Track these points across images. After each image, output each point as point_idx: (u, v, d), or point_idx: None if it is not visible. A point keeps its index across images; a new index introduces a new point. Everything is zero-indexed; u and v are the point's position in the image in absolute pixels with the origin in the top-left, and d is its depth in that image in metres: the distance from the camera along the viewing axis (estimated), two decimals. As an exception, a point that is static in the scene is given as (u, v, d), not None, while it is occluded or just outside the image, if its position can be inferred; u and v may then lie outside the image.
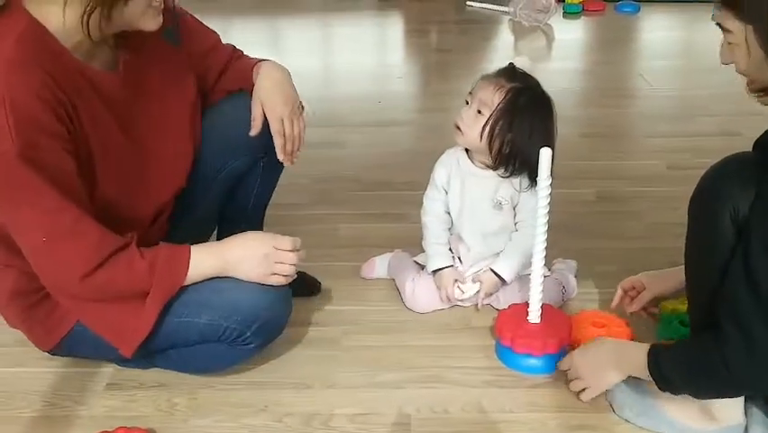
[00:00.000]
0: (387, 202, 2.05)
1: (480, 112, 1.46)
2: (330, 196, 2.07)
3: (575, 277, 1.62)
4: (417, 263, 1.62)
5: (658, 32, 3.87)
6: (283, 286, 1.25)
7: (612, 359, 1.21)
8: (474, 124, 1.47)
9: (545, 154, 1.27)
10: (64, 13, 1.10)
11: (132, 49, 1.23)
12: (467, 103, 1.49)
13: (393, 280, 1.64)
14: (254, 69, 1.39)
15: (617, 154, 2.36)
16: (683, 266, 1.20)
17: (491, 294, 1.54)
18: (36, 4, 1.11)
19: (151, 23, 1.16)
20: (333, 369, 1.39)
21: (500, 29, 3.83)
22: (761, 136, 1.10)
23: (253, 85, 1.37)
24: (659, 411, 1.21)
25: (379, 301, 1.60)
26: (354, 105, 2.86)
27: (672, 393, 1.13)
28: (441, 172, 1.59)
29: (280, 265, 1.24)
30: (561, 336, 1.36)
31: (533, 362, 1.36)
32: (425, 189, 1.65)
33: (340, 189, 2.13)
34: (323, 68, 3.47)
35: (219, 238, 1.43)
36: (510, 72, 1.48)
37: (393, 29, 4.07)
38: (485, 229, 1.54)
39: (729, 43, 1.03)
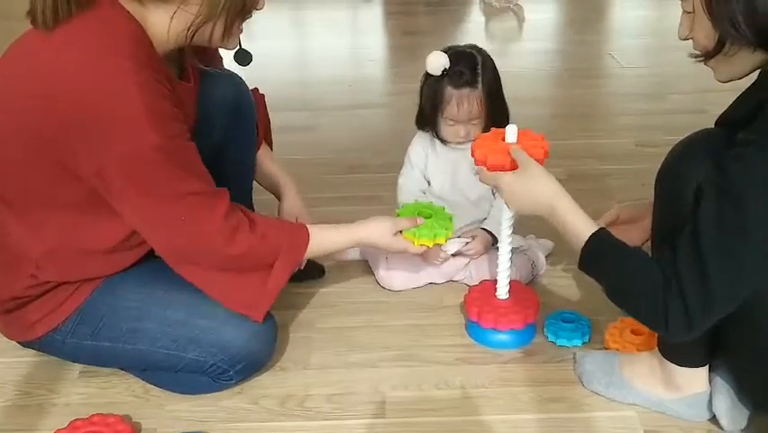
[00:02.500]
0: (360, 185, 2.06)
1: (474, 123, 1.53)
2: (303, 180, 2.05)
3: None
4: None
5: (628, 11, 3.90)
6: (270, 330, 1.30)
7: (547, 208, 1.17)
8: (476, 130, 1.53)
9: (511, 129, 1.28)
10: (170, 22, 1.12)
11: (199, 61, 1.26)
12: (451, 124, 1.53)
13: (366, 261, 1.65)
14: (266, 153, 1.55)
15: (588, 133, 2.38)
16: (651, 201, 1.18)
17: (482, 252, 1.55)
18: (140, 5, 1.11)
19: (233, 42, 1.20)
20: (307, 351, 1.40)
21: (471, 10, 3.84)
22: (722, 113, 1.12)
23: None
24: (626, 383, 1.24)
25: (353, 283, 1.61)
26: (326, 90, 2.86)
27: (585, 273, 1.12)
28: (417, 150, 1.62)
29: (400, 237, 1.35)
30: (527, 313, 1.38)
31: (500, 337, 1.38)
32: (396, 172, 1.67)
33: (313, 173, 2.13)
34: (294, 51, 3.46)
35: None
36: (460, 77, 1.49)
37: (364, 11, 4.06)
38: (469, 196, 1.57)
39: (686, 12, 1.04)
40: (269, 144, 1.60)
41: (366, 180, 2.08)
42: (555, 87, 2.86)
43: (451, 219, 1.44)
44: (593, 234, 1.10)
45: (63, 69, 1.07)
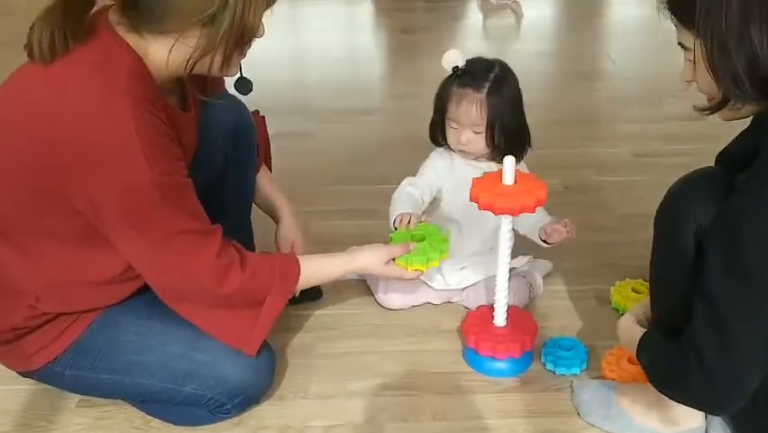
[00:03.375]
0: (357, 198, 2.06)
1: (476, 132, 1.49)
2: (299, 191, 2.05)
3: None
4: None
5: (626, 8, 3.88)
6: (268, 363, 1.31)
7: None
8: (477, 140, 1.50)
9: (509, 161, 1.28)
10: (169, 54, 1.11)
11: (199, 90, 1.25)
12: (453, 127, 1.50)
13: (364, 281, 1.65)
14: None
15: (584, 142, 2.38)
16: None
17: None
18: (139, 37, 1.11)
19: (233, 70, 1.19)
20: (306, 378, 1.40)
21: (469, 7, 3.82)
22: (722, 151, 1.12)
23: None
24: (623, 416, 1.25)
25: (351, 304, 1.61)
26: (321, 91, 2.84)
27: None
28: (434, 164, 1.58)
29: (404, 271, 1.36)
30: (524, 340, 1.39)
31: (498, 365, 1.39)
32: (394, 183, 1.64)
33: (309, 184, 2.13)
34: (288, 50, 3.43)
35: None
36: (467, 77, 1.48)
37: (360, 8, 4.03)
38: (487, 222, 1.51)
39: (689, 60, 1.04)
40: (269, 167, 1.60)
41: (361, 193, 2.08)
42: (553, 91, 2.85)
43: (446, 240, 1.42)
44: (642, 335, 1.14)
45: (61, 105, 1.06)
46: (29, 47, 1.08)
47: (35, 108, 1.09)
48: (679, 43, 1.04)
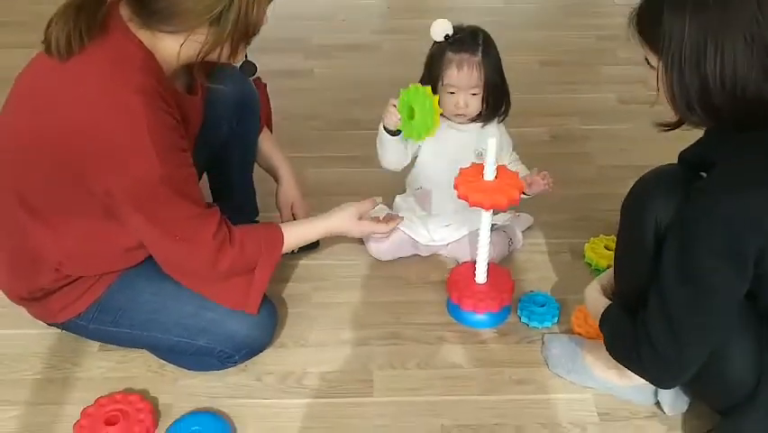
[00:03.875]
0: (354, 143, 2.14)
1: (474, 94, 1.57)
2: (296, 136, 2.14)
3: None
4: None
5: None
6: (270, 319, 1.45)
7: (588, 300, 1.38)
8: (474, 102, 1.58)
9: (492, 144, 1.38)
10: (180, 49, 1.19)
11: (206, 72, 1.32)
12: (452, 93, 1.57)
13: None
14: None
15: (573, 86, 2.45)
16: None
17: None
18: (151, 34, 1.19)
19: (240, 58, 1.27)
20: (304, 327, 1.55)
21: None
22: (686, 149, 1.22)
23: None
24: (587, 369, 1.40)
25: (345, 255, 1.74)
26: (318, 25, 2.87)
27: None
28: None
29: (379, 225, 1.53)
30: (503, 297, 1.53)
31: (478, 318, 1.53)
32: None
33: (306, 128, 2.21)
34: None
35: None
36: (460, 43, 1.56)
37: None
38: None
39: (650, 67, 1.13)
40: (270, 129, 1.68)
41: (358, 138, 2.16)
42: (543, 28, 2.87)
43: (433, 103, 1.51)
44: (606, 310, 1.28)
45: (78, 102, 1.16)
46: (47, 43, 1.16)
47: (55, 104, 1.18)
48: (645, 59, 1.13)
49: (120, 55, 1.17)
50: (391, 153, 1.64)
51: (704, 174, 1.14)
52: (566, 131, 2.21)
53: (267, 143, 1.65)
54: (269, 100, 1.68)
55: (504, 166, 1.51)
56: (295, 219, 1.63)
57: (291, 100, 2.27)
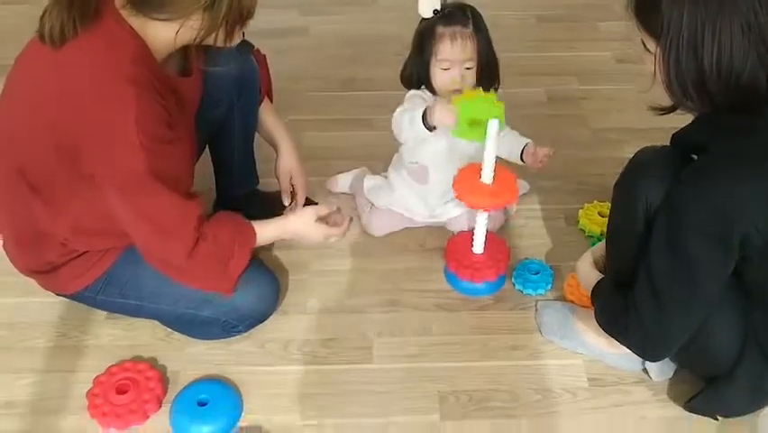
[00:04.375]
0: (351, 104, 2.16)
1: (468, 68, 1.56)
2: (293, 98, 2.14)
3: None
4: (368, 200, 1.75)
5: None
6: (273, 291, 1.49)
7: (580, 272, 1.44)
8: (470, 75, 1.57)
9: (493, 125, 1.40)
10: (175, 36, 1.20)
11: (203, 57, 1.33)
12: (446, 69, 1.55)
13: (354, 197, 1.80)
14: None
15: (571, 44, 2.45)
16: None
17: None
18: (145, 21, 1.19)
19: (236, 41, 1.27)
20: (305, 295, 1.60)
21: None
22: (678, 132, 1.25)
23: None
24: (578, 336, 1.46)
25: (345, 222, 1.78)
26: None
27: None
28: (420, 100, 1.61)
29: (334, 229, 1.46)
30: (499, 267, 1.58)
31: (476, 286, 1.58)
32: (393, 89, 1.67)
33: (303, 89, 2.21)
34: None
35: (218, 187, 1.72)
36: (450, 16, 1.55)
37: None
38: (462, 156, 1.62)
39: (647, 51, 1.14)
40: (271, 99, 1.69)
41: (356, 100, 2.18)
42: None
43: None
44: (597, 284, 1.33)
45: (70, 90, 1.18)
46: (40, 32, 1.18)
47: (47, 90, 1.20)
48: (642, 41, 1.14)
49: (112, 44, 1.18)
50: (416, 137, 1.57)
51: (695, 157, 1.17)
52: (562, 91, 2.22)
53: (267, 114, 1.66)
54: (268, 71, 1.68)
55: (503, 167, 1.52)
56: (294, 189, 1.65)
57: (287, 60, 2.27)
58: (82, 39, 1.17)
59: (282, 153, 1.66)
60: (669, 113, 1.17)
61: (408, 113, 1.54)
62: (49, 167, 1.27)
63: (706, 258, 1.12)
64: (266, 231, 1.42)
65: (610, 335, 1.30)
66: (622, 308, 1.22)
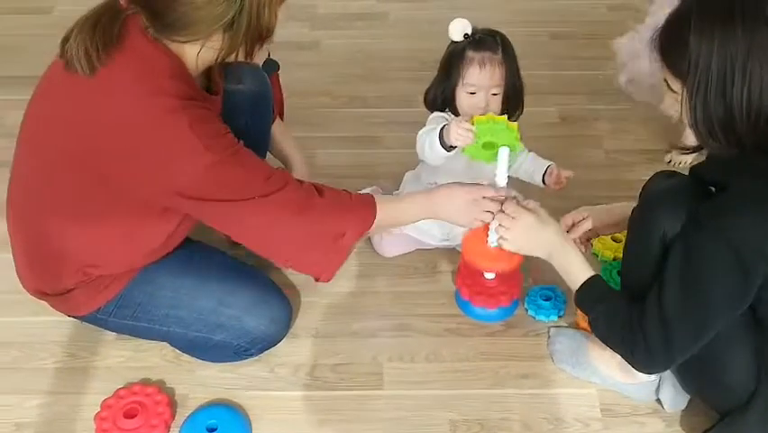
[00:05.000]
0: (361, 122, 2.15)
1: (494, 94, 1.57)
2: (304, 115, 2.14)
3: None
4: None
5: None
6: (286, 314, 1.47)
7: (550, 252, 1.36)
8: (495, 101, 1.58)
9: (503, 153, 1.39)
10: (198, 56, 1.21)
11: (223, 74, 1.34)
12: (472, 93, 1.55)
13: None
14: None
15: (583, 62, 2.43)
16: (624, 203, 1.41)
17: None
18: (170, 42, 1.20)
19: (260, 58, 1.29)
20: (315, 317, 1.59)
21: None
22: (697, 165, 1.23)
23: None
24: (591, 364, 1.45)
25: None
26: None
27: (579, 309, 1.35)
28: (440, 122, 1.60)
29: (486, 213, 1.38)
30: (512, 292, 1.56)
31: (487, 312, 1.57)
32: (403, 107, 1.70)
33: (314, 105, 2.21)
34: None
35: None
36: (480, 42, 1.55)
37: None
38: (482, 178, 1.56)
39: (673, 97, 1.13)
40: (282, 117, 1.69)
41: (366, 117, 2.17)
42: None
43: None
44: (586, 280, 1.29)
45: (115, 115, 1.18)
46: (67, 60, 1.18)
47: (87, 118, 1.20)
48: (665, 80, 1.13)
49: (148, 64, 1.18)
50: (437, 158, 1.58)
51: (713, 188, 1.16)
52: (575, 111, 2.21)
53: (278, 132, 1.66)
54: (281, 90, 1.68)
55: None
56: None
57: (298, 75, 2.26)
58: (116, 63, 1.17)
59: (295, 169, 1.64)
60: (695, 152, 1.16)
61: (428, 135, 1.54)
62: (84, 195, 1.27)
63: (720, 298, 1.12)
64: (400, 207, 1.38)
65: (607, 343, 1.29)
66: (628, 322, 1.21)
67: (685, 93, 1.08)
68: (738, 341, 1.21)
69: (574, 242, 1.43)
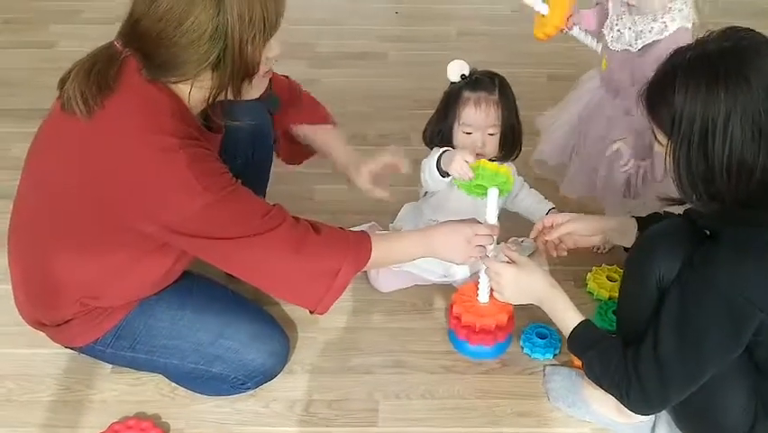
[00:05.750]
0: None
1: (490, 134, 1.59)
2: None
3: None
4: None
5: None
6: (284, 348, 1.49)
7: (539, 299, 1.39)
8: (492, 142, 1.60)
9: (493, 194, 1.42)
10: (189, 95, 1.24)
11: (222, 112, 1.36)
12: (469, 133, 1.59)
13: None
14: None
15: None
16: (605, 216, 1.49)
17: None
18: (174, 84, 1.23)
19: (254, 94, 1.30)
20: (311, 353, 1.59)
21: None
22: (691, 210, 1.25)
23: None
24: (586, 403, 1.45)
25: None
26: (323, 30, 2.88)
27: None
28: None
29: (479, 248, 1.41)
30: (507, 329, 1.57)
31: (480, 349, 1.57)
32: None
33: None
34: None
35: None
36: (477, 82, 1.58)
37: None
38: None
39: (658, 143, 1.16)
40: (329, 120, 1.75)
41: (365, 154, 2.16)
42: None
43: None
44: (576, 325, 1.31)
45: (116, 153, 1.20)
46: (64, 102, 1.21)
47: (89, 155, 1.22)
48: (653, 132, 1.16)
49: (148, 103, 1.21)
50: (435, 183, 1.62)
51: (707, 231, 1.18)
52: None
53: (322, 135, 1.68)
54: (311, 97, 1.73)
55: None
56: (372, 181, 1.61)
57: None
58: (113, 104, 1.20)
59: (359, 177, 1.65)
60: (680, 204, 1.18)
61: (428, 161, 1.59)
62: (85, 224, 1.28)
63: (714, 344, 1.14)
64: (396, 245, 1.40)
65: (600, 385, 1.29)
66: (622, 364, 1.22)
67: (670, 147, 1.11)
68: (735, 382, 1.22)
69: (546, 245, 1.50)
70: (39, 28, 2.91)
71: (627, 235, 1.45)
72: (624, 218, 1.50)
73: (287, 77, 1.69)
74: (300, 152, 1.75)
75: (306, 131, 1.71)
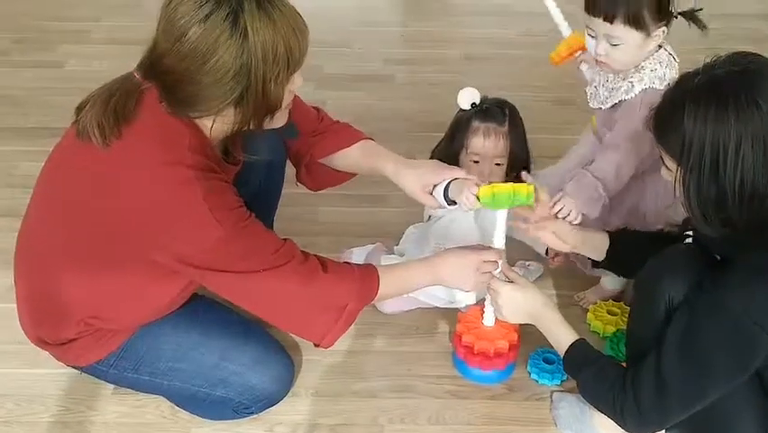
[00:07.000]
0: (365, 181, 2.16)
1: (497, 164, 1.60)
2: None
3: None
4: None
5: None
6: (289, 372, 1.48)
7: (534, 317, 1.40)
8: (498, 171, 1.60)
9: (501, 216, 1.41)
10: (211, 130, 1.24)
11: (242, 145, 1.35)
12: (476, 162, 1.58)
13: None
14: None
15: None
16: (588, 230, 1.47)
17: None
18: (197, 117, 1.23)
19: (275, 126, 1.30)
20: (316, 376, 1.57)
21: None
22: (700, 234, 1.24)
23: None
24: (594, 430, 1.42)
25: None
26: (329, 53, 2.88)
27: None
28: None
29: (487, 274, 1.42)
30: (509, 356, 1.55)
31: (485, 374, 1.55)
32: None
33: (318, 164, 2.22)
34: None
35: None
36: (487, 112, 1.58)
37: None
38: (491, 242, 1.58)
39: (666, 169, 1.15)
40: (362, 137, 1.70)
41: (370, 176, 2.17)
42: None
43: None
44: (572, 344, 1.28)
45: (133, 183, 1.21)
46: (79, 130, 1.21)
47: (105, 184, 1.22)
48: (661, 158, 1.15)
49: (167, 134, 1.21)
50: (443, 210, 1.63)
51: (718, 256, 1.17)
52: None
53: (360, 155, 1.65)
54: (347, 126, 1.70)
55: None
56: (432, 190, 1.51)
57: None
58: (131, 134, 1.20)
59: (407, 184, 1.57)
60: (685, 230, 1.17)
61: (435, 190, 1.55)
62: (94, 247, 1.28)
63: (721, 369, 1.13)
64: (408, 276, 1.40)
65: (596, 406, 1.28)
66: (620, 384, 1.21)
67: (679, 173, 1.10)
68: (746, 406, 1.20)
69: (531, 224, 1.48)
70: (48, 48, 2.92)
71: (598, 250, 1.48)
72: (600, 234, 1.50)
73: (318, 108, 1.67)
74: (330, 177, 1.71)
75: (344, 153, 1.67)
